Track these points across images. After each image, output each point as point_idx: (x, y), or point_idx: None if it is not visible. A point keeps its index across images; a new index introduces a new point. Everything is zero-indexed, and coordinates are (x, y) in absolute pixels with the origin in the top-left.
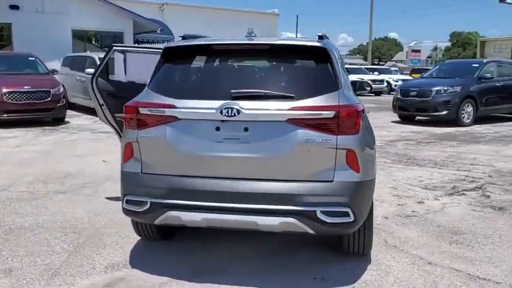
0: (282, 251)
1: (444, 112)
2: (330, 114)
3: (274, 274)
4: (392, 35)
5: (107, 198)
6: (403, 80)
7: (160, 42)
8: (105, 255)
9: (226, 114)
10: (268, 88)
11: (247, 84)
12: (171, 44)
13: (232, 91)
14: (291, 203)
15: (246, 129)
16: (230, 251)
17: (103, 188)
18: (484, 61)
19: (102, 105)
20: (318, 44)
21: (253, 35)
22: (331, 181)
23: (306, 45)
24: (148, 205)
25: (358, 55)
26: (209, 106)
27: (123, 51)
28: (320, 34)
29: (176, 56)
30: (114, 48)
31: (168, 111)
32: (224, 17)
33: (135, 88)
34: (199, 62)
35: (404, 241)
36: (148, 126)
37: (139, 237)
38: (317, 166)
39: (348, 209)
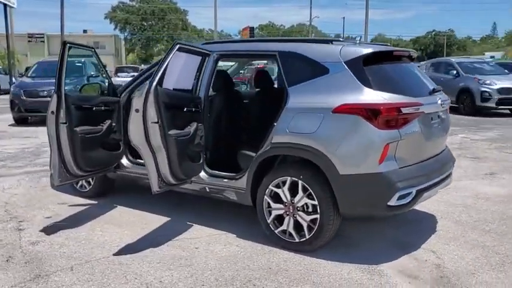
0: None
1: None
2: None
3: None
4: None
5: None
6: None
7: None
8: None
9: (443, 106)
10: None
11: (422, 81)
12: (380, 49)
13: (434, 87)
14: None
15: (438, 116)
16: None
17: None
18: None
19: (157, 122)
20: None
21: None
22: None
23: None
24: (414, 194)
25: None
26: (435, 101)
27: (187, 51)
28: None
29: (378, 58)
30: (179, 46)
31: (421, 108)
32: None
33: (182, 98)
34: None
35: None
36: (407, 124)
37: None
38: None
39: None
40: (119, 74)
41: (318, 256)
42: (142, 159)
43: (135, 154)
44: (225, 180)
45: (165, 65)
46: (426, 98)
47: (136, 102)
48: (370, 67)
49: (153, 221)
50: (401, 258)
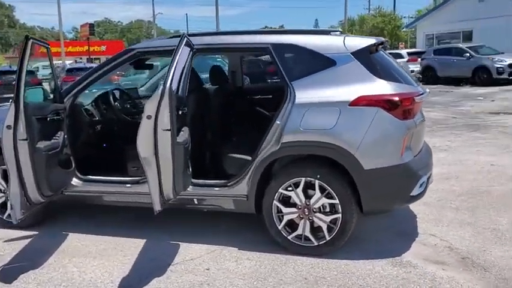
0: None
1: None
2: None
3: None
4: None
5: None
6: None
7: None
8: None
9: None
10: None
11: (405, 70)
12: (379, 39)
13: (417, 77)
14: None
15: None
16: None
17: None
18: None
19: (169, 130)
20: None
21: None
22: None
23: None
24: (426, 182)
25: None
26: (425, 90)
27: (187, 44)
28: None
29: (374, 49)
30: (186, 39)
31: (423, 97)
32: None
33: (178, 99)
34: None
35: None
36: (417, 113)
37: None
38: None
39: None
40: None
41: (338, 257)
42: (92, 176)
43: (83, 171)
44: (216, 188)
45: (176, 62)
46: (420, 87)
47: (148, 108)
48: (373, 57)
49: (128, 246)
50: (413, 246)
